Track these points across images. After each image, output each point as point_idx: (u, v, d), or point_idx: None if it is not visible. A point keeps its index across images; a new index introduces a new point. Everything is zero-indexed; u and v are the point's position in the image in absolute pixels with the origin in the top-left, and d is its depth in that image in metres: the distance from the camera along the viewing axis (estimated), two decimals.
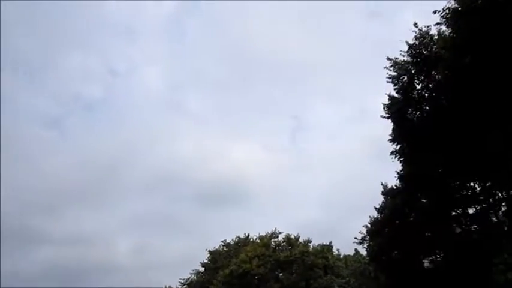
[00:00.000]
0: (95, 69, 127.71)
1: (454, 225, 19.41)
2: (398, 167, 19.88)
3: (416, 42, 18.13)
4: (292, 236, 38.06)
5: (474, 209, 18.93)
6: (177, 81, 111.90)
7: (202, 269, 40.62)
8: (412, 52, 18.23)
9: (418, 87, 18.65)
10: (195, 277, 40.99)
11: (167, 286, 52.83)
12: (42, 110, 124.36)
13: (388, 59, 18.86)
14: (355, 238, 22.60)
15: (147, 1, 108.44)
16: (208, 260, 40.50)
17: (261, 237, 38.52)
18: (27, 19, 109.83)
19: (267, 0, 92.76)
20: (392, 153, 19.69)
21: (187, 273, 41.67)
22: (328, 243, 37.40)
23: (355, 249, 35.40)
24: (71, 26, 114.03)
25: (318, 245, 37.19)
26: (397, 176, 20.08)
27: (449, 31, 16.93)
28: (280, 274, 36.45)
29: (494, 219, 18.49)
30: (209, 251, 40.83)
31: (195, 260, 41.93)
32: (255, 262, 34.96)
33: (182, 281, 41.92)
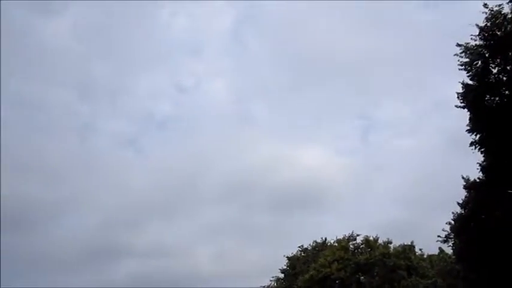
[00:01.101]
0: (163, 87, 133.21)
1: None
2: (480, 158, 18.70)
3: (488, 24, 17.03)
4: (371, 238, 37.04)
5: None
6: (243, 92, 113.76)
7: (282, 275, 40.53)
8: (484, 35, 17.12)
9: (494, 71, 17.48)
10: (275, 284, 40.99)
11: None
12: (119, 130, 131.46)
13: (458, 45, 17.83)
14: (439, 236, 21.53)
15: (208, 18, 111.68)
16: (287, 266, 40.36)
17: (338, 241, 37.82)
18: (99, 46, 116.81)
19: (321, 0, 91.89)
20: (471, 144, 18.49)
21: (267, 280, 41.81)
22: (409, 243, 35.99)
23: (440, 248, 33.74)
24: (139, 47, 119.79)
25: (399, 245, 35.86)
26: (479, 167, 18.86)
27: None
28: (362, 277, 35.56)
29: None
30: (287, 257, 40.69)
31: (274, 266, 42.01)
32: (334, 266, 34.35)
33: None
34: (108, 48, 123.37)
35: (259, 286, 43.00)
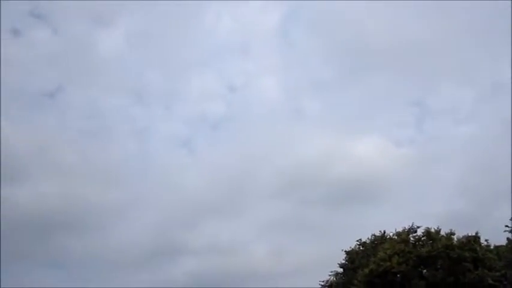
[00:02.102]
0: (215, 88, 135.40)
1: None
2: None
3: None
4: (433, 230, 35.79)
5: None
6: (293, 88, 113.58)
7: (341, 270, 40.08)
8: None
9: None
10: (334, 278, 40.59)
11: None
12: (173, 133, 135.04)
13: None
14: (507, 226, 20.58)
15: (254, 17, 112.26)
16: (346, 261, 39.87)
17: (398, 234, 36.88)
18: (150, 52, 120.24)
19: None
20: None
21: (325, 275, 41.50)
22: (474, 234, 34.51)
23: (508, 239, 32.35)
24: (188, 51, 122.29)
25: (463, 236, 34.46)
26: None
27: None
28: (424, 271, 34.50)
29: None
30: (345, 251, 40.18)
31: (332, 261, 41.62)
32: (395, 260, 33.49)
33: (322, 283, 41.86)
34: (159, 54, 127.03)
35: (318, 281, 42.95)
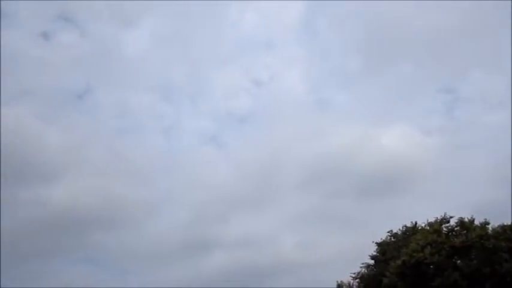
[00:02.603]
0: (240, 83, 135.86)
1: None
2: None
3: None
4: (466, 219, 35.10)
5: None
6: (318, 80, 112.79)
7: (372, 261, 39.76)
8: None
9: None
10: (366, 270, 40.31)
11: (339, 281, 53.07)
12: (201, 128, 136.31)
13: None
14: None
15: (276, 11, 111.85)
16: (377, 252, 39.50)
17: (430, 224, 36.26)
18: (175, 50, 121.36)
19: None
20: None
21: (356, 267, 41.26)
22: (510, 224, 33.63)
23: None
24: (213, 47, 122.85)
25: (498, 226, 33.67)
26: None
27: None
28: (458, 261, 33.87)
29: None
30: (376, 243, 39.80)
31: (362, 253, 41.31)
32: (427, 251, 32.98)
33: (353, 275, 41.64)
34: (184, 51, 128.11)
35: (349, 273, 42.76)
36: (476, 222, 34.77)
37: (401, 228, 39.53)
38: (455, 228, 35.52)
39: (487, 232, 33.45)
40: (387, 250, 38.48)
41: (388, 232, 39.91)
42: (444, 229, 35.78)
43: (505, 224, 33.70)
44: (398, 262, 34.04)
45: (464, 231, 34.50)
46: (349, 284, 51.04)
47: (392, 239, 39.46)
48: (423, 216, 38.51)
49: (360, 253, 43.78)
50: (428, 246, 33.28)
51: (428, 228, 36.27)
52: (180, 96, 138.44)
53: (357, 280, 41.88)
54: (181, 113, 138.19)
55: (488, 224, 34.33)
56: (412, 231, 38.41)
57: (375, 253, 39.85)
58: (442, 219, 36.36)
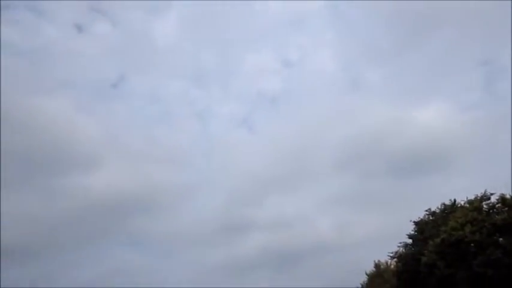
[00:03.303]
0: (270, 64, 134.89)
1: None
2: None
3: None
4: (508, 196, 34.07)
5: None
6: (350, 59, 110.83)
7: (410, 240, 39.34)
8: None
9: None
10: (403, 250, 39.95)
11: (376, 261, 52.83)
12: (233, 111, 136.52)
13: None
14: None
15: None
16: (415, 231, 39.03)
17: (469, 201, 35.39)
18: (204, 35, 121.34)
19: None
20: None
21: (394, 247, 40.94)
22: None
23: None
24: (241, 29, 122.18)
25: None
26: None
27: None
28: (500, 239, 33.01)
29: None
30: (414, 221, 39.32)
31: (399, 232, 40.92)
32: (467, 228, 32.29)
33: (391, 255, 41.40)
34: (213, 36, 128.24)
35: (386, 253, 42.54)
36: None
37: (439, 207, 38.86)
38: (497, 205, 34.51)
39: None
40: (425, 229, 37.96)
41: (426, 211, 39.33)
42: (485, 206, 34.84)
43: None
44: (438, 241, 33.53)
45: (506, 208, 33.52)
46: (387, 264, 50.77)
47: (431, 218, 38.86)
48: (462, 193, 37.76)
49: (397, 232, 43.43)
50: (469, 224, 32.58)
51: (468, 205, 35.44)
52: (211, 80, 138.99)
53: (395, 259, 41.61)
54: (212, 97, 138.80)
55: None
56: (450, 209, 37.68)
57: (412, 232, 39.41)
58: (482, 196, 35.41)
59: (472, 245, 32.48)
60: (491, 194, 35.31)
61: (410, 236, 39.35)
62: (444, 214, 37.63)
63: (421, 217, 39.34)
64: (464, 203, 36.38)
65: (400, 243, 39.92)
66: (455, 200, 38.12)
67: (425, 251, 34.42)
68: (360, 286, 55.45)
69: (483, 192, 35.63)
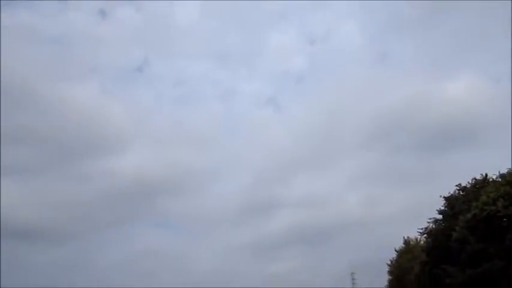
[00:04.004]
0: (295, 42, 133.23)
1: None
2: None
3: None
4: None
5: None
6: (376, 33, 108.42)
7: (440, 216, 38.82)
8: None
9: None
10: (434, 226, 39.49)
11: (406, 237, 52.50)
12: (258, 91, 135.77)
13: None
14: None
15: None
16: (445, 207, 38.45)
17: (502, 176, 34.53)
18: (226, 16, 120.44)
19: None
20: None
21: (423, 223, 40.52)
22: None
23: None
24: (264, 9, 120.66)
25: None
26: None
27: None
28: None
29: None
30: (444, 197, 38.67)
31: (429, 208, 40.39)
32: (500, 203, 31.56)
33: (420, 231, 41.00)
34: (235, 15, 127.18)
35: (416, 229, 42.18)
36: None
37: (470, 181, 38.06)
38: None
39: None
40: (456, 204, 37.35)
41: (457, 186, 38.61)
42: None
43: None
44: (469, 216, 33.00)
45: None
46: (416, 240, 50.40)
47: (461, 193, 38.15)
48: (493, 168, 36.79)
49: (426, 208, 42.89)
50: (501, 199, 31.87)
51: (500, 180, 34.65)
52: (235, 60, 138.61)
53: (425, 235, 41.22)
54: (237, 78, 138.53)
55: None
56: (482, 183, 36.90)
57: (442, 208, 38.83)
58: None
59: (505, 220, 31.84)
60: None
61: (440, 212, 38.82)
62: (475, 189, 36.91)
63: (452, 192, 38.70)
64: (496, 177, 35.61)
65: (430, 219, 39.46)
66: (486, 175, 37.30)
67: (456, 227, 33.96)
68: (389, 262, 55.37)
69: None
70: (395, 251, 54.51)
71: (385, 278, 58.58)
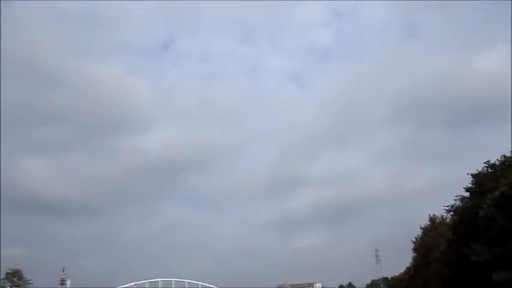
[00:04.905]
0: (320, 16, 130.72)
1: None
2: None
3: None
4: None
5: None
6: (403, 7, 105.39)
7: (467, 194, 38.22)
8: None
9: None
10: (460, 203, 38.96)
11: (432, 215, 52.08)
12: (283, 67, 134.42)
13: None
14: None
15: None
16: (473, 184, 37.78)
17: None
18: None
19: None
20: None
21: (450, 200, 40.02)
22: None
23: None
24: None
25: None
26: None
27: None
28: None
29: None
30: (472, 174, 37.97)
31: (457, 185, 39.80)
32: None
33: (447, 208, 40.58)
34: None
35: (442, 206, 41.78)
36: None
37: (499, 159, 37.21)
38: None
39: None
40: (484, 182, 36.66)
41: (485, 163, 37.80)
42: None
43: None
44: (497, 194, 32.42)
45: None
46: (442, 217, 49.94)
47: (490, 170, 37.38)
48: None
49: (453, 186, 42.30)
50: None
51: None
52: (259, 36, 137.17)
53: (451, 213, 40.79)
54: (261, 54, 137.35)
55: None
56: (511, 161, 36.06)
57: (470, 185, 38.19)
58: None
59: None
60: None
61: (467, 189, 38.20)
62: (504, 166, 36.11)
63: (480, 170, 37.94)
64: None
65: (457, 196, 38.93)
66: None
67: (484, 205, 33.42)
68: (414, 239, 55.13)
69: None
70: (421, 228, 54.17)
71: (409, 255, 58.55)
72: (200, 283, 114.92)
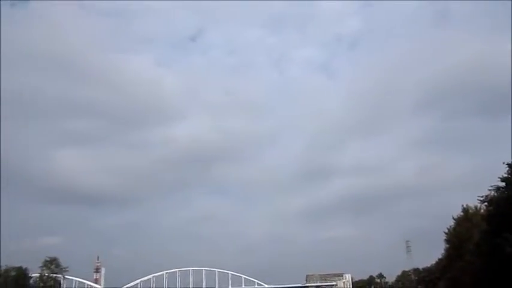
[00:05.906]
0: (348, 5, 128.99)
1: None
2: None
3: None
4: None
5: None
6: None
7: (503, 183, 37.28)
8: None
9: None
10: (495, 193, 38.07)
11: (465, 205, 51.08)
12: (311, 57, 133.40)
13: None
14: None
15: None
16: (509, 174, 36.82)
17: None
18: None
19: None
20: None
21: (484, 191, 39.18)
22: None
23: None
24: None
25: None
26: None
27: None
28: None
29: None
30: (507, 164, 36.98)
31: (491, 175, 38.86)
32: None
33: (481, 199, 39.74)
34: None
35: (476, 197, 40.98)
36: None
37: None
38: None
39: None
40: None
41: None
42: None
43: None
44: None
45: None
46: (476, 208, 48.89)
47: None
48: None
49: (487, 176, 41.31)
50: None
51: None
52: (287, 26, 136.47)
53: (485, 204, 39.96)
54: (289, 44, 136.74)
55: None
56: None
57: (506, 175, 37.23)
58: None
59: None
60: None
61: (503, 179, 37.25)
62: None
63: None
64: None
65: (492, 186, 38.05)
66: None
67: None
68: (447, 231, 54.25)
69: None
70: (453, 219, 53.22)
71: (441, 247, 57.68)
72: (230, 272, 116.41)
